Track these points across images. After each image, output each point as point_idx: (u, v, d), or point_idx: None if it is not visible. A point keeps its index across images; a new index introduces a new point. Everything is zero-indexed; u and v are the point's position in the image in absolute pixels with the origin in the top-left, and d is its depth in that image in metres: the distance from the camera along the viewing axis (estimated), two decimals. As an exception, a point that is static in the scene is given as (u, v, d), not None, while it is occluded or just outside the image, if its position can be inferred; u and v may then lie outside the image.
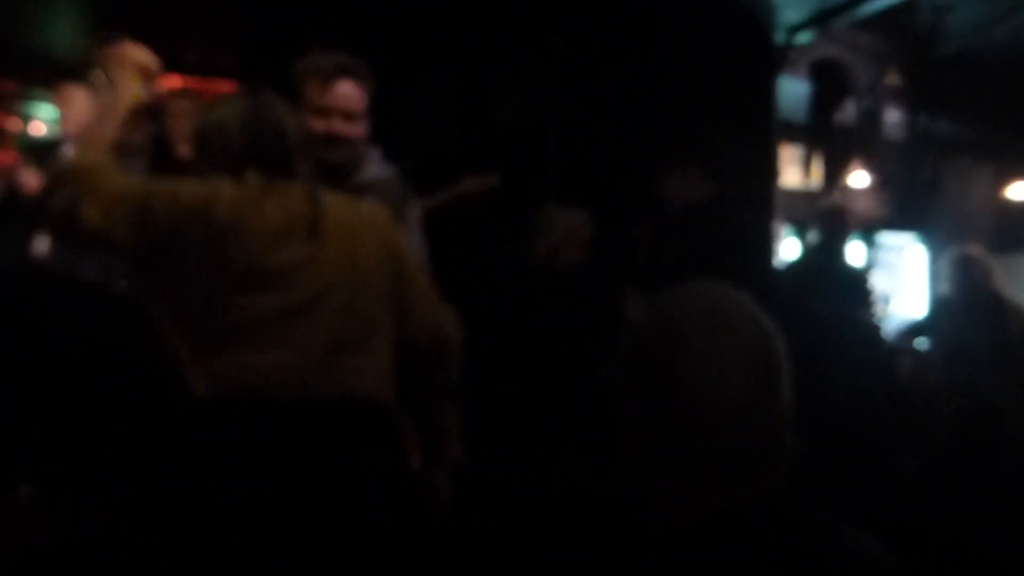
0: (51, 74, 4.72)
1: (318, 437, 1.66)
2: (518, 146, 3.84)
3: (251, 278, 1.66)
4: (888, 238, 5.58)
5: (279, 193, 1.71)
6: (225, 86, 5.29)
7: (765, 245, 4.05)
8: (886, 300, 4.15)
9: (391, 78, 4.14)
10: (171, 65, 5.13)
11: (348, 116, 2.13)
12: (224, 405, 1.57)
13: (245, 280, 1.66)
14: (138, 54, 1.95)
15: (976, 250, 4.33)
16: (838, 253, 4.05)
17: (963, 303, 4.23)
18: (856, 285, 4.07)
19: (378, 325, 1.79)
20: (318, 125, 2.07)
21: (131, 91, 1.91)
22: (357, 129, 2.16)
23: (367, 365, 1.75)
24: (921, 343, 4.46)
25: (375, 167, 2.29)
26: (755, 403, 0.99)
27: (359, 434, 1.72)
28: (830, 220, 4.03)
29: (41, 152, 3.89)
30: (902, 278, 5.61)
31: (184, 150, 4.33)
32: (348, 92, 2.14)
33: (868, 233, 5.36)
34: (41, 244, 3.55)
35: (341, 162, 2.13)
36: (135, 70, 1.93)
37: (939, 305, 4.46)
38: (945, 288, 4.38)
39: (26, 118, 5.12)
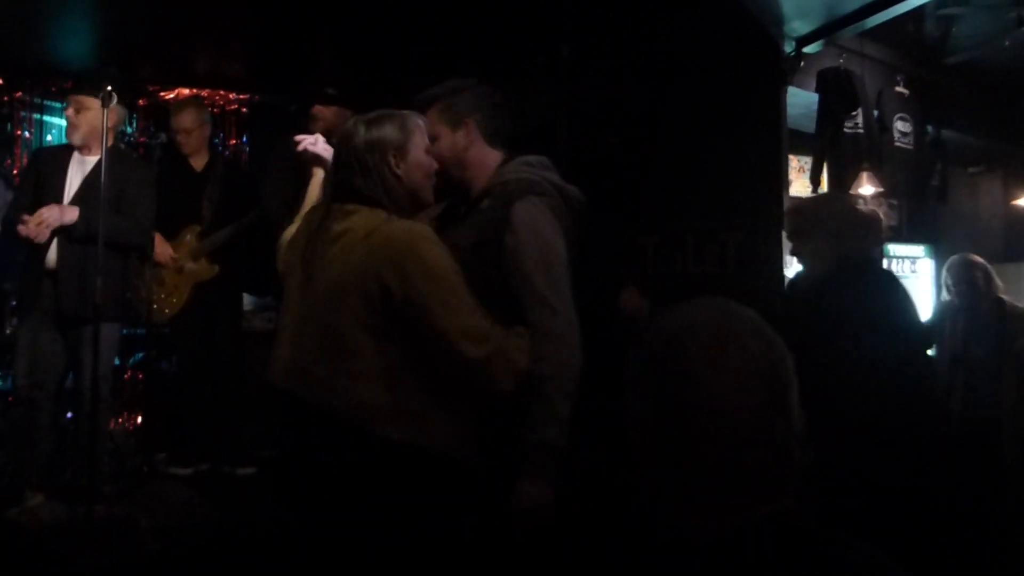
0: (62, 84, 4.76)
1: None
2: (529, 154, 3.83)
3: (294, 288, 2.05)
4: (898, 249, 5.55)
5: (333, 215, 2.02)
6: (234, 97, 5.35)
7: (775, 255, 4.03)
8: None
9: (400, 89, 4.16)
10: (181, 75, 5.19)
11: None
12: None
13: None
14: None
15: (978, 257, 4.31)
16: (872, 261, 3.98)
17: (966, 309, 4.21)
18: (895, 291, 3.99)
19: (357, 344, 1.87)
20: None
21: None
22: None
23: (345, 383, 1.86)
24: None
25: None
26: (763, 420, 0.98)
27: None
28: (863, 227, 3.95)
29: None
30: (913, 290, 5.59)
31: (197, 162, 4.37)
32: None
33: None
34: (50, 253, 3.57)
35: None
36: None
37: (942, 311, 4.44)
38: (948, 295, 4.36)
39: (37, 127, 5.17)
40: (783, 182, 4.26)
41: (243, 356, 4.40)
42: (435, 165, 2.12)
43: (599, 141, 3.91)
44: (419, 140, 2.08)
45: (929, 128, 5.32)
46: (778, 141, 4.23)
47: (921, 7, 4.35)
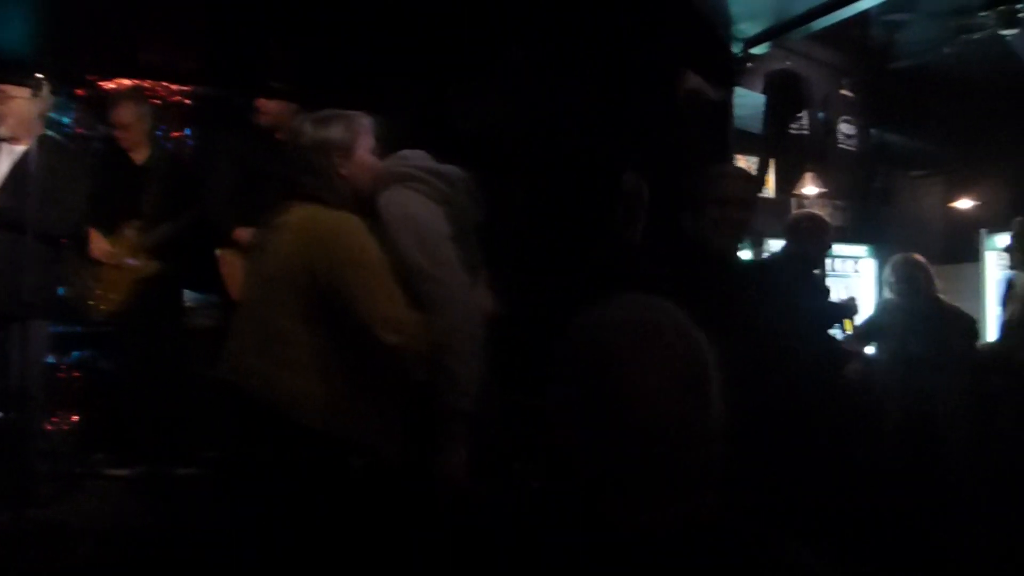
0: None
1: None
2: (482, 153, 3.82)
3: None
4: (842, 250, 5.65)
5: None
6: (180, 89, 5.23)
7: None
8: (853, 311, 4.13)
9: (349, 86, 4.11)
10: (122, 65, 5.05)
11: None
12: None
13: None
14: None
15: (919, 257, 4.40)
16: (814, 264, 4.04)
17: (905, 308, 4.30)
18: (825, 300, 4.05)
19: (288, 332, 1.92)
20: None
21: None
22: None
23: (276, 372, 1.91)
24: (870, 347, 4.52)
25: None
26: (685, 416, 0.98)
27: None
28: (806, 230, 3.98)
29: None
30: (856, 290, 5.70)
31: (138, 155, 4.26)
32: None
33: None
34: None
35: None
36: None
37: (883, 310, 4.52)
38: (890, 293, 4.45)
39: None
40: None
41: (185, 354, 4.30)
42: (378, 165, 2.16)
43: (549, 140, 3.91)
44: (366, 140, 2.12)
45: (873, 131, 5.43)
46: (726, 140, 4.28)
47: (866, 13, 4.44)
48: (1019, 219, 4.01)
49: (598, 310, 1.06)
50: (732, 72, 4.49)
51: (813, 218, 4.10)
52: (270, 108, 3.95)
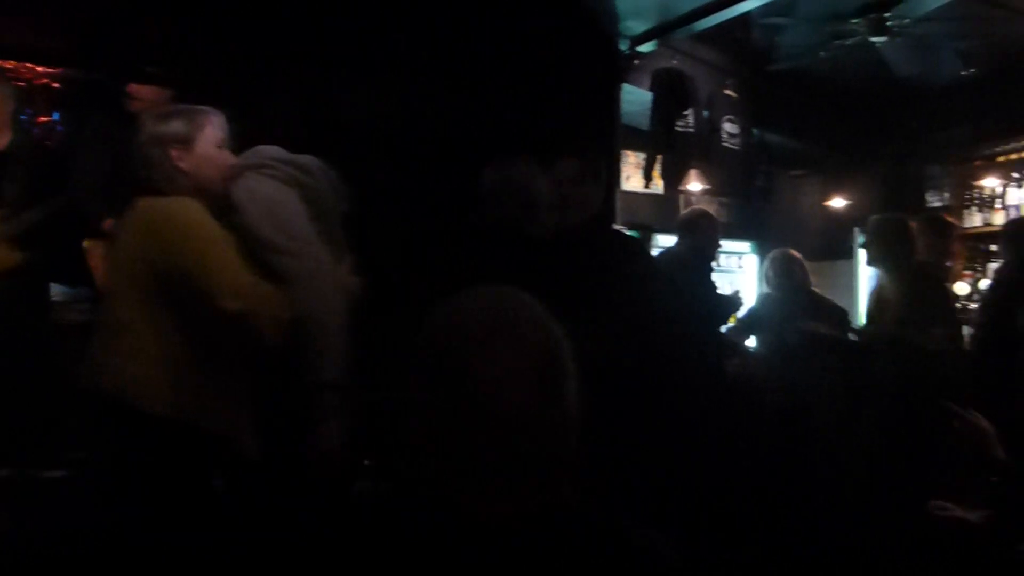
0: None
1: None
2: (361, 142, 3.75)
3: None
4: (726, 245, 5.82)
5: None
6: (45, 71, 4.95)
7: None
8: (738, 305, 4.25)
9: (225, 73, 3.97)
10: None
11: None
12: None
13: None
14: None
15: (795, 252, 4.58)
16: (709, 259, 4.14)
17: (782, 300, 4.46)
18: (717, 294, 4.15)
19: (130, 322, 1.93)
20: None
21: None
22: None
23: (116, 361, 1.92)
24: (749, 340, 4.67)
25: None
26: (538, 410, 0.98)
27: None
28: (701, 227, 4.08)
29: None
30: (740, 285, 5.88)
31: (0, 141, 4.00)
32: None
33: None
34: None
35: None
36: None
37: (761, 304, 4.69)
38: (768, 287, 4.61)
39: None
40: (617, 177, 4.38)
41: (51, 350, 4.07)
42: (229, 159, 2.18)
43: (432, 134, 3.88)
44: (210, 135, 2.14)
45: (755, 131, 5.61)
46: (613, 136, 4.33)
47: (748, 16, 4.57)
48: (874, 218, 4.19)
49: (453, 302, 1.06)
50: (619, 69, 4.56)
51: (707, 215, 4.22)
52: (143, 94, 3.79)
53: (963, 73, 5.40)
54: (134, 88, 3.81)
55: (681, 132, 4.98)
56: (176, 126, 2.10)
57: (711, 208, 5.32)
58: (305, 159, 2.28)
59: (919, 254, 4.02)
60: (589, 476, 1.03)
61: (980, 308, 4.50)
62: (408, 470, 1.04)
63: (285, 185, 2.16)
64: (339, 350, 2.05)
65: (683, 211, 4.63)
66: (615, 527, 0.99)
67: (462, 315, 1.03)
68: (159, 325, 1.91)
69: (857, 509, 3.87)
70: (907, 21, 4.55)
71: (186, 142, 2.09)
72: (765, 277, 4.63)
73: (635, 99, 4.83)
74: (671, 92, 4.85)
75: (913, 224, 4.07)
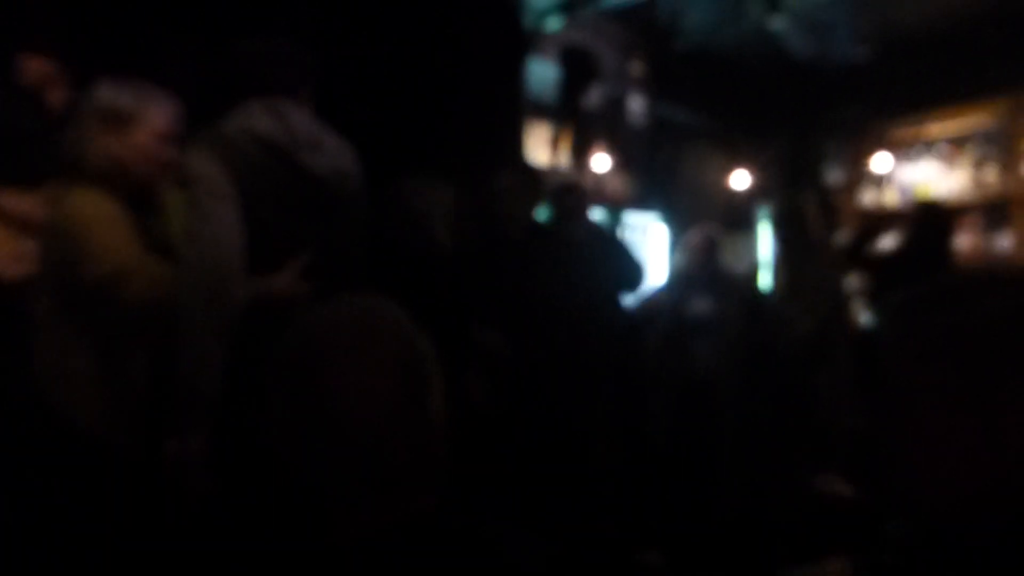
0: None
1: None
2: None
3: None
4: (633, 217, 5.96)
5: None
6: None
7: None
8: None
9: (153, 50, 3.83)
10: None
11: None
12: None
13: None
14: None
15: (710, 229, 4.67)
16: (574, 229, 4.09)
17: (689, 275, 4.57)
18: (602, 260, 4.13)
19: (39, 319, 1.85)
20: None
21: None
22: None
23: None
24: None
25: None
26: (400, 421, 0.98)
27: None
28: (563, 197, 3.98)
29: None
30: (646, 254, 6.03)
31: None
32: None
33: (614, 212, 5.70)
34: None
35: None
36: None
37: (670, 281, 4.79)
38: (676, 264, 4.72)
39: None
40: (522, 151, 4.41)
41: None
42: (170, 155, 1.96)
43: (343, 106, 3.83)
44: (154, 122, 1.93)
45: (659, 106, 5.74)
46: (518, 109, 4.37)
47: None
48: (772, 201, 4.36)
49: (314, 311, 1.05)
50: (525, 43, 4.58)
51: (573, 186, 4.12)
52: (31, 66, 3.63)
53: (857, 51, 5.62)
54: (25, 59, 3.64)
55: (588, 106, 5.06)
56: (115, 104, 1.88)
57: (617, 181, 5.46)
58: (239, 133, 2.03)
59: (811, 234, 4.20)
60: (458, 483, 1.03)
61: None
62: (276, 481, 1.03)
63: (225, 164, 1.91)
64: (212, 351, 1.78)
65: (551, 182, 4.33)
66: (483, 534, 0.98)
67: (323, 325, 1.02)
68: (61, 324, 1.83)
69: (751, 483, 4.02)
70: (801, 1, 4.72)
71: (123, 124, 1.86)
72: (673, 253, 4.71)
73: (543, 73, 4.87)
74: (577, 67, 4.92)
75: (805, 206, 4.23)
